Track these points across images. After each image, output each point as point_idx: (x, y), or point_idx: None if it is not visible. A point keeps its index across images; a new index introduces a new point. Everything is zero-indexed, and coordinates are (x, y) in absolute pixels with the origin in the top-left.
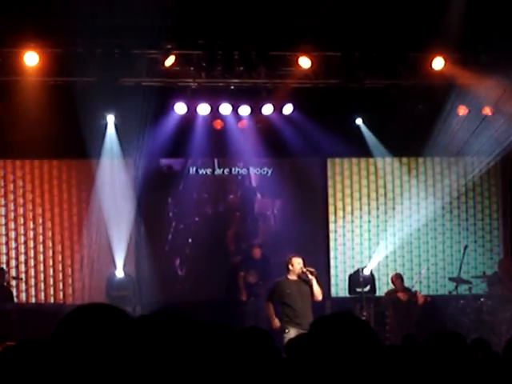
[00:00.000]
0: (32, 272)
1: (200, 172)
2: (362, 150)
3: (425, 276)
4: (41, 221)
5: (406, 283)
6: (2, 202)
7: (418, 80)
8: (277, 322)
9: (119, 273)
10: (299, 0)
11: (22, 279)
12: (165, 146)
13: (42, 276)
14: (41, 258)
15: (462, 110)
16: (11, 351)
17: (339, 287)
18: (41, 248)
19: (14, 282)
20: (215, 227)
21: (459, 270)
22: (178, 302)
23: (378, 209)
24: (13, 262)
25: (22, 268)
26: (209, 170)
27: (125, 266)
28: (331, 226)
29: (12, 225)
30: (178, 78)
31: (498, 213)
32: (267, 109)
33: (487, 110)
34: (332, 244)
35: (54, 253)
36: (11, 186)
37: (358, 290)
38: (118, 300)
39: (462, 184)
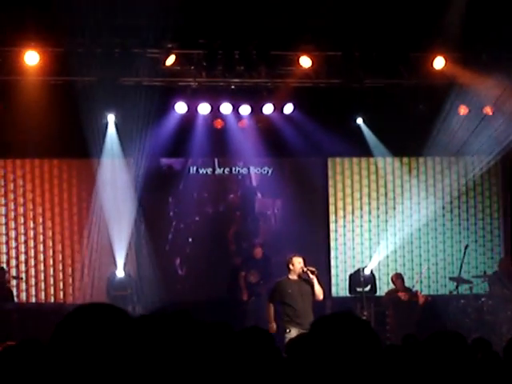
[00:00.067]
0: (32, 271)
1: (200, 171)
2: (362, 150)
3: (425, 276)
4: (41, 220)
5: (407, 283)
6: (3, 202)
7: (419, 79)
8: (273, 326)
9: (120, 272)
10: (300, 0)
11: (22, 279)
12: (165, 145)
13: (42, 275)
14: (41, 257)
15: (463, 110)
16: (11, 351)
17: (340, 287)
18: (41, 247)
19: (14, 282)
20: (216, 227)
21: (460, 270)
22: (179, 301)
23: (378, 208)
24: (13, 262)
25: (23, 267)
26: (209, 170)
27: (125, 265)
28: (332, 226)
29: (12, 224)
30: (178, 77)
31: (499, 212)
32: (268, 108)
33: (488, 110)
34: (332, 243)
35: (54, 252)
36: (11, 186)
37: (359, 289)
38: (118, 299)
39: (462, 183)
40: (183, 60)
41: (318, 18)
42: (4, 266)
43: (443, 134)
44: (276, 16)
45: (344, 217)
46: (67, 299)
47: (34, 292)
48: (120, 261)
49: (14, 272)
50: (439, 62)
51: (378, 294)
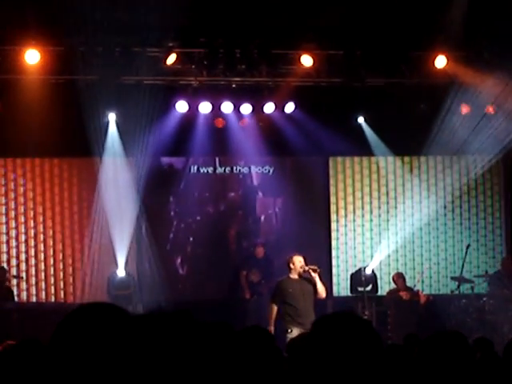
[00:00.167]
0: (33, 271)
1: (201, 171)
2: (363, 149)
3: (427, 275)
4: (41, 219)
5: (408, 282)
6: (3, 201)
7: (421, 78)
8: (271, 330)
9: (120, 272)
10: None
11: (22, 278)
12: (166, 144)
13: (42, 275)
14: (41, 256)
15: (465, 109)
16: (11, 351)
17: (341, 286)
18: (41, 246)
19: (14, 281)
20: (216, 226)
21: (461, 269)
22: (180, 300)
23: (379, 207)
24: (13, 261)
25: (23, 267)
26: (210, 169)
27: (126, 264)
28: (333, 225)
29: (13, 223)
30: (179, 76)
31: (500, 211)
32: (269, 107)
33: (490, 109)
34: (334, 243)
35: (54, 251)
36: (12, 185)
37: (360, 289)
38: (119, 299)
39: (463, 183)
40: (184, 59)
41: (320, 17)
42: (4, 265)
43: (444, 133)
44: (277, 15)
45: (345, 216)
46: (68, 299)
47: (34, 291)
48: (121, 260)
49: (14, 271)
50: (441, 61)
51: (379, 293)
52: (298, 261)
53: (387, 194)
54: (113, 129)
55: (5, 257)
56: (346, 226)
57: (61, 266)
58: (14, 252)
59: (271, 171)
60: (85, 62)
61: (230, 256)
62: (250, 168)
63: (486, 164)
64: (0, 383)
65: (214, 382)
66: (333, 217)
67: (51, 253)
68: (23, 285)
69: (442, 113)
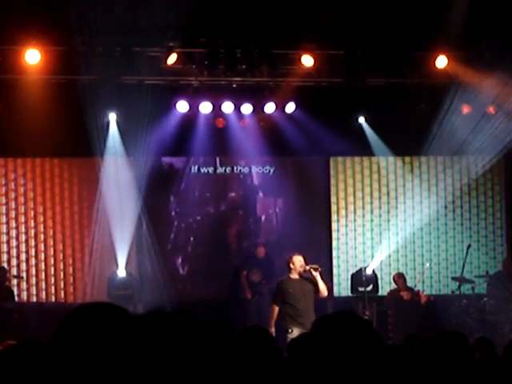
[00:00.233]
0: (33, 271)
1: (202, 171)
2: (364, 149)
3: (427, 275)
4: (42, 219)
5: (409, 283)
6: (3, 201)
7: (421, 78)
8: (272, 332)
9: (121, 272)
10: None
11: (22, 278)
12: (167, 144)
13: (43, 275)
14: (42, 256)
15: (465, 109)
16: (12, 351)
17: (341, 286)
18: (42, 247)
19: (14, 281)
20: (217, 226)
21: (462, 270)
22: (180, 300)
23: (380, 208)
24: (14, 261)
25: (23, 267)
26: (211, 169)
27: (127, 264)
28: (333, 225)
29: (13, 223)
30: (180, 76)
31: (501, 212)
32: (269, 107)
33: (490, 108)
34: (334, 243)
35: (55, 251)
36: (12, 185)
37: (361, 289)
38: (119, 299)
39: (464, 183)
40: (185, 59)
41: (320, 17)
42: (5, 264)
43: (445, 133)
44: (278, 15)
45: (346, 216)
46: (68, 299)
47: (34, 291)
48: (121, 260)
49: (14, 271)
50: (441, 61)
51: (380, 293)
52: (298, 260)
53: (388, 194)
54: (113, 129)
55: (5, 257)
56: (346, 225)
57: (61, 266)
58: (14, 252)
59: (272, 171)
60: (85, 62)
61: (231, 256)
62: (250, 168)
63: (487, 164)
64: (1, 383)
65: (214, 382)
66: (333, 217)
67: (51, 253)
68: (23, 285)
69: (443, 113)
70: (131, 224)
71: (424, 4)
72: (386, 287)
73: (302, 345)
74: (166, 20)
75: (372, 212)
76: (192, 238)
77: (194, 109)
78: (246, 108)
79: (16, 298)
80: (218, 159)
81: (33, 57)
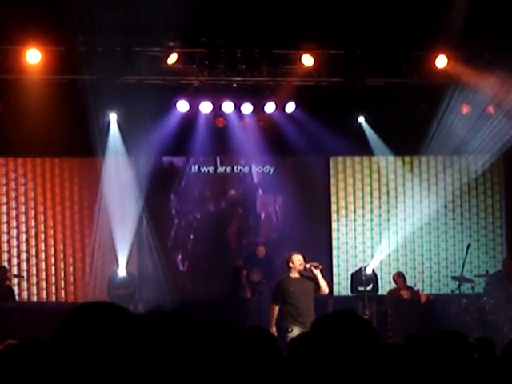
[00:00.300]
0: (33, 270)
1: (202, 170)
2: (364, 149)
3: (427, 275)
4: (42, 219)
5: (409, 282)
6: (4, 200)
7: (421, 78)
8: (273, 332)
9: (121, 271)
10: None
11: (23, 277)
12: (167, 143)
13: (43, 274)
14: (42, 256)
15: (465, 108)
16: (13, 350)
17: (341, 286)
18: (42, 246)
19: (15, 280)
20: (217, 224)
21: (462, 269)
22: (180, 299)
23: (380, 207)
24: (14, 260)
25: (24, 266)
26: (211, 169)
27: (127, 264)
28: (333, 225)
29: (14, 223)
30: (180, 75)
31: (501, 211)
32: (270, 107)
33: (490, 108)
34: (334, 242)
35: (55, 251)
36: (13, 184)
37: (361, 288)
38: (119, 298)
39: (464, 182)
40: (185, 58)
41: (320, 17)
42: (5, 264)
43: (445, 133)
44: (278, 14)
45: (346, 215)
46: (68, 298)
47: (35, 291)
48: (122, 259)
49: (15, 270)
50: (441, 61)
51: (379, 293)
52: (298, 259)
53: (388, 193)
54: (114, 128)
55: (6, 256)
56: (346, 225)
57: (62, 266)
58: (14, 251)
59: (272, 171)
60: (86, 62)
61: (230, 253)
62: (250, 167)
63: (487, 163)
64: (1, 382)
65: (214, 382)
66: (333, 216)
67: (52, 252)
68: (24, 284)
69: (443, 112)
70: (132, 223)
71: (424, 4)
72: (385, 287)
73: (301, 344)
74: (166, 20)
75: (372, 211)
76: (192, 236)
77: (194, 108)
78: (246, 108)
79: (16, 298)
80: (218, 159)
81: (33, 56)
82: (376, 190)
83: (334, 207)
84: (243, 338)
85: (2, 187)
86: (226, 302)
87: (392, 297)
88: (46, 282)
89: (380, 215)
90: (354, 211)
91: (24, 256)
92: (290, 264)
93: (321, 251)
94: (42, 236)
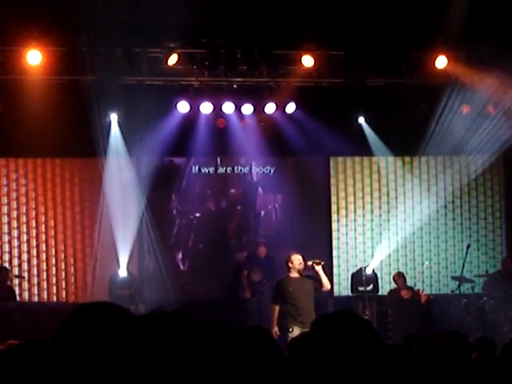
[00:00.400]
0: (34, 270)
1: (202, 171)
2: (364, 149)
3: (427, 275)
4: (43, 219)
5: (409, 282)
6: (5, 201)
7: (421, 79)
8: (275, 331)
9: (122, 272)
10: None
11: (24, 278)
12: (168, 144)
13: (44, 274)
14: (43, 256)
15: (465, 109)
16: (16, 350)
17: (342, 286)
18: (43, 247)
19: (16, 281)
20: (217, 222)
21: (462, 269)
22: (181, 299)
23: (380, 207)
24: (15, 261)
25: (25, 266)
26: (211, 169)
27: (128, 264)
28: (334, 225)
29: (15, 223)
30: (180, 76)
31: (501, 211)
32: (270, 107)
33: (490, 108)
34: (334, 242)
35: (56, 251)
36: (14, 185)
37: (361, 288)
38: (120, 299)
39: (464, 183)
40: (185, 59)
41: (320, 18)
42: (6, 264)
43: (445, 133)
44: (278, 15)
45: (346, 216)
46: (69, 298)
47: (36, 291)
48: (123, 259)
49: (16, 271)
50: (441, 61)
51: (380, 293)
52: (297, 259)
53: (388, 194)
54: (115, 129)
55: (7, 256)
56: (346, 225)
57: (62, 266)
58: (15, 252)
59: (272, 171)
60: (86, 63)
61: (230, 251)
62: (250, 168)
63: (487, 164)
64: (3, 382)
65: (214, 382)
66: (334, 216)
67: (53, 253)
68: (25, 284)
69: (443, 113)
70: (133, 224)
71: (423, 4)
72: (386, 287)
73: (301, 345)
74: (166, 21)
75: (372, 212)
76: (192, 236)
77: (194, 109)
78: (247, 108)
79: (18, 298)
80: (218, 159)
81: (34, 58)
82: (376, 191)
83: (334, 207)
84: (243, 338)
85: (3, 188)
86: (226, 302)
87: (392, 297)
88: (47, 283)
89: (380, 215)
90: (354, 211)
91: (25, 256)
92: (290, 264)
93: (321, 251)
94: (43, 236)
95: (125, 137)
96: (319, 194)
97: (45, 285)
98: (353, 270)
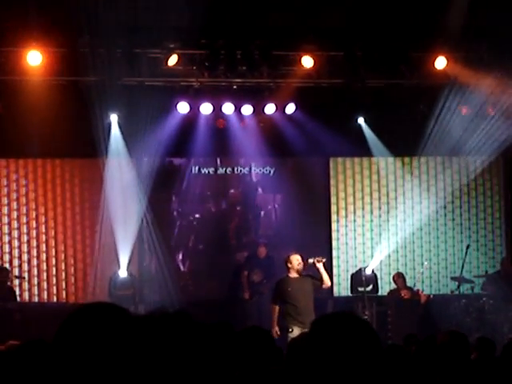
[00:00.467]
0: (35, 271)
1: (202, 171)
2: (364, 150)
3: (427, 275)
4: (43, 220)
5: (408, 282)
6: (5, 202)
7: (420, 79)
8: (276, 331)
9: (122, 272)
10: (302, 0)
11: (24, 278)
12: (168, 145)
13: (44, 275)
14: (43, 257)
15: (464, 109)
16: (15, 351)
17: (341, 286)
18: (43, 247)
19: (16, 281)
20: (217, 222)
21: (461, 270)
22: (181, 300)
23: (380, 208)
24: (16, 261)
25: (25, 267)
26: (211, 170)
27: (128, 265)
28: (333, 225)
29: (15, 224)
30: (180, 77)
31: (500, 212)
32: (270, 108)
33: (489, 109)
34: (334, 243)
35: (56, 252)
36: (14, 185)
37: (361, 289)
38: (120, 299)
39: (463, 183)
40: (185, 60)
41: (320, 18)
42: (7, 265)
43: (444, 134)
44: (278, 16)
45: (345, 216)
46: (69, 299)
47: (36, 291)
48: (123, 260)
49: (16, 271)
50: (441, 62)
51: (379, 293)
52: (296, 259)
53: (387, 194)
54: (115, 130)
55: (7, 257)
56: (346, 226)
57: (63, 267)
58: (16, 252)
59: (272, 172)
60: (87, 64)
61: (230, 251)
62: (250, 168)
63: (486, 164)
64: (4, 383)
65: (214, 382)
66: (333, 217)
67: (53, 253)
68: (25, 285)
69: (442, 113)
70: (134, 224)
71: (423, 5)
72: (385, 287)
73: (301, 345)
74: (166, 22)
75: (372, 212)
76: (193, 236)
77: (194, 110)
78: (247, 109)
79: (18, 299)
80: (218, 160)
81: (34, 58)
82: (376, 191)
83: (333, 208)
84: (243, 339)
85: (3, 189)
86: (226, 303)
87: (392, 297)
88: (48, 283)
89: (380, 216)
90: (354, 212)
91: (25, 257)
92: (289, 264)
93: (321, 251)
94: (44, 237)
95: (125, 137)
96: (319, 194)
97: (45, 285)
98: (352, 270)
